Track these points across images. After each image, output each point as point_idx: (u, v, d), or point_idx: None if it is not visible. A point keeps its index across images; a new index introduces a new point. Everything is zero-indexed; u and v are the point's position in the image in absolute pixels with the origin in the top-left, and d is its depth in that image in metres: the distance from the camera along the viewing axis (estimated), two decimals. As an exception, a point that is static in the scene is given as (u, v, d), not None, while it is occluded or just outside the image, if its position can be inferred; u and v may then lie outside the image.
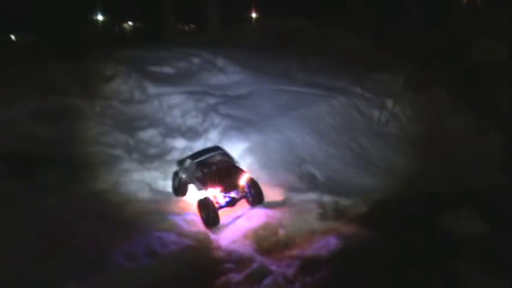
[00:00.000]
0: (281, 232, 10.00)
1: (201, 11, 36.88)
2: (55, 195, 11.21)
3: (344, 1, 33.65)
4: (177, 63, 20.08)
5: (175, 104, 16.82)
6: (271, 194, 11.70)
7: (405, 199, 11.46)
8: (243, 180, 10.97)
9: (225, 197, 10.83)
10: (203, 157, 11.68)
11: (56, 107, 16.25)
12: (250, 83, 17.98)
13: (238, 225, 10.45)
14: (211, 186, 10.70)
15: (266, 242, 9.71)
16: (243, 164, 12.30)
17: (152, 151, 14.75)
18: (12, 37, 45.98)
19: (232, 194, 10.92)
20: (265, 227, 10.19)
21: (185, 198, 11.99)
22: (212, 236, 10.04)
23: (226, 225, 10.62)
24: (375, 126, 15.97)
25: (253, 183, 11.07)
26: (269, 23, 35.35)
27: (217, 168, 11.30)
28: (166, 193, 12.40)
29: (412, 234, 9.57)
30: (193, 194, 11.69)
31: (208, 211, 10.43)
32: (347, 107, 16.37)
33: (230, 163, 11.59)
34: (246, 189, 11.04)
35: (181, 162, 12.21)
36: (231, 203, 10.93)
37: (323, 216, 10.71)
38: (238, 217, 10.88)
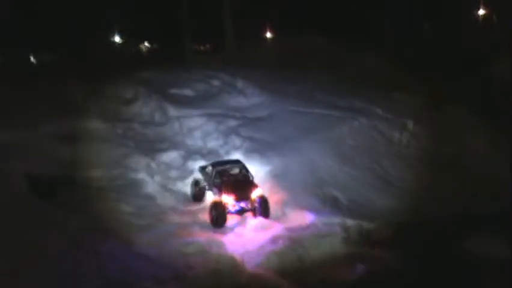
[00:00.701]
0: (305, 256, 9.96)
1: (216, 32, 37.32)
2: (77, 217, 11.12)
3: (361, 21, 33.98)
4: (197, 85, 20.34)
5: (195, 126, 17.00)
6: (294, 217, 11.74)
7: (427, 221, 11.37)
8: (254, 194, 11.72)
9: (235, 205, 11.65)
10: (224, 167, 12.66)
11: (77, 129, 16.50)
12: (270, 104, 18.14)
13: (263, 249, 10.44)
14: (225, 193, 11.61)
15: (290, 267, 9.65)
16: (266, 187, 12.41)
17: (173, 173, 14.80)
18: (32, 58, 46.92)
19: (243, 204, 11.70)
20: (289, 250, 10.11)
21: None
22: (237, 258, 10.03)
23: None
24: (396, 147, 15.96)
25: (263, 199, 11.74)
26: (285, 43, 35.57)
27: (234, 179, 12.29)
28: (190, 216, 12.37)
29: (435, 258, 9.50)
30: (210, 200, 12.28)
31: (217, 212, 11.34)
32: (368, 128, 16.40)
33: (247, 177, 12.43)
34: (256, 203, 11.67)
35: (203, 168, 13.13)
36: (240, 211, 11.76)
37: (347, 240, 10.62)
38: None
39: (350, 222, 11.33)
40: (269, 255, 10.01)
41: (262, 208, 11.64)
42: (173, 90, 19.95)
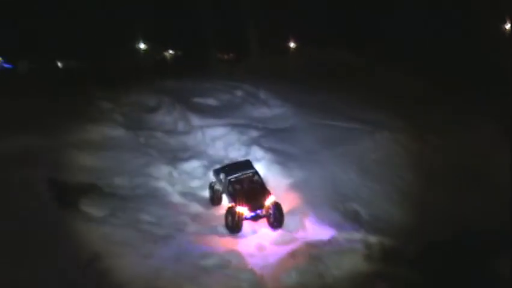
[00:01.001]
0: (326, 273, 9.83)
1: (239, 40, 37.53)
2: (99, 227, 11.23)
3: (383, 31, 33.77)
4: (220, 95, 20.46)
5: (218, 136, 17.03)
6: (315, 230, 11.62)
7: (452, 239, 11.13)
8: (268, 202, 11.93)
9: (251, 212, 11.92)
10: (236, 174, 12.62)
11: (101, 137, 16.69)
12: (292, 116, 18.09)
13: (283, 263, 10.34)
14: (239, 204, 11.77)
15: (311, 284, 9.55)
16: (286, 200, 12.34)
17: (195, 183, 14.80)
18: (59, 63, 47.80)
19: (258, 211, 11.93)
20: (310, 267, 10.00)
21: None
22: (257, 273, 9.93)
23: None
24: (419, 161, 15.64)
25: (277, 206, 11.93)
26: (309, 53, 35.50)
27: (247, 188, 12.45)
28: (209, 224, 12.36)
29: (459, 277, 9.27)
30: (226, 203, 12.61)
31: (233, 219, 11.67)
32: (390, 141, 16.13)
33: (259, 183, 12.65)
34: (270, 210, 11.90)
35: (217, 172, 13.28)
36: (255, 217, 11.99)
37: (369, 257, 10.45)
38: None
39: (372, 238, 11.17)
40: (289, 271, 9.93)
41: (277, 215, 11.84)
42: (197, 100, 20.09)
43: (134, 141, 17.04)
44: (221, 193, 13.00)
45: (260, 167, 14.52)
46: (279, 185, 13.30)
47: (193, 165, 15.71)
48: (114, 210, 12.15)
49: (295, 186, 13.25)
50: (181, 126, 18.20)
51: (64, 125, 16.55)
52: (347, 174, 14.22)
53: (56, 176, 13.21)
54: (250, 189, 12.35)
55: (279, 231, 11.66)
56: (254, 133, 16.83)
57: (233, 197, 12.11)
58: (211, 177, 13.70)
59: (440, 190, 14.49)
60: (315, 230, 11.67)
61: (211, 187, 13.43)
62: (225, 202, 12.76)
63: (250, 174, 12.79)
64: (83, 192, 12.80)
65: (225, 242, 11.25)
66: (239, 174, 12.66)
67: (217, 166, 13.95)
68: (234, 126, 17.36)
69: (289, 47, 46.46)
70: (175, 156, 16.26)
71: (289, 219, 11.89)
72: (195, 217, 12.72)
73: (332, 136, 16.20)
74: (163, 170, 15.10)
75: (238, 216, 11.66)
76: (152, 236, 11.22)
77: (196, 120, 17.98)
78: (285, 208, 11.97)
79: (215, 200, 13.29)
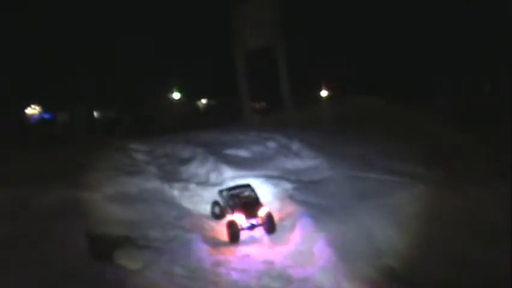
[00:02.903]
0: None
1: (271, 89, 38.06)
2: (133, 280, 11.22)
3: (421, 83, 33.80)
4: (253, 146, 20.60)
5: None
6: (349, 289, 11.22)
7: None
8: (262, 212, 14.16)
9: (247, 222, 14.08)
10: (236, 190, 15.25)
11: (137, 189, 16.99)
12: (326, 168, 17.94)
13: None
14: (237, 212, 14.11)
15: None
16: (319, 256, 12.10)
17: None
18: (95, 113, 49.59)
19: (253, 221, 14.09)
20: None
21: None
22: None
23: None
24: (460, 216, 15.14)
25: (270, 216, 14.13)
26: (341, 102, 35.65)
27: (245, 200, 14.75)
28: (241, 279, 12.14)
29: None
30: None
31: (233, 230, 13.82)
32: (429, 194, 15.70)
33: (255, 198, 14.98)
34: (264, 220, 14.09)
35: (221, 191, 15.55)
36: (251, 227, 14.12)
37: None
38: None
39: (409, 297, 10.74)
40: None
41: (271, 224, 14.06)
42: (229, 151, 20.29)
43: (168, 193, 17.27)
44: (224, 208, 15.21)
45: (292, 220, 14.45)
46: (311, 239, 13.06)
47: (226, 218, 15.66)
48: (148, 263, 12.10)
49: (328, 241, 12.93)
50: (213, 177, 18.32)
51: (101, 177, 16.98)
52: (383, 228, 13.82)
53: (93, 229, 13.49)
54: (247, 202, 14.65)
55: None
56: (287, 185, 16.75)
57: (232, 208, 14.39)
58: (216, 196, 15.63)
59: (483, 247, 13.93)
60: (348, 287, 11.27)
61: (216, 203, 15.61)
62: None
63: (248, 191, 15.27)
64: (119, 244, 12.91)
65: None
66: (239, 190, 15.27)
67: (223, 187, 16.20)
68: (266, 178, 17.35)
69: (321, 96, 46.86)
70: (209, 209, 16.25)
71: (323, 276, 11.57)
72: (229, 270, 12.33)
73: (366, 188, 15.91)
74: (196, 222, 15.13)
75: (237, 225, 13.88)
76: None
77: (228, 172, 18.07)
78: (317, 264, 11.71)
79: (219, 216, 15.43)
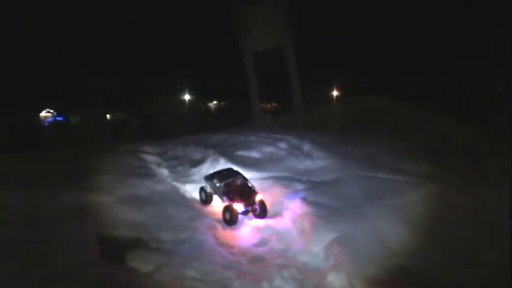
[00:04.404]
0: None
1: (282, 90, 38.05)
2: (145, 282, 11.36)
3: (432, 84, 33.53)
4: (264, 147, 20.65)
5: (261, 189, 17.07)
6: (361, 288, 11.24)
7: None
8: (257, 198, 15.41)
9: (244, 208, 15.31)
10: (229, 179, 16.08)
11: (148, 191, 17.10)
12: (336, 168, 17.98)
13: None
14: (236, 202, 15.26)
15: None
16: (330, 256, 12.16)
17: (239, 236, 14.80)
18: (108, 116, 49.96)
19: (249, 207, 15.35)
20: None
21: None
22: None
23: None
24: (470, 216, 15.09)
25: (262, 202, 15.46)
26: (352, 103, 35.51)
27: (240, 189, 15.83)
28: (254, 279, 12.21)
29: None
30: (217, 203, 16.26)
31: (231, 215, 15.03)
32: (439, 194, 15.70)
33: (249, 186, 16.06)
34: (256, 205, 15.41)
35: (208, 178, 16.76)
36: (246, 212, 15.39)
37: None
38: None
39: (420, 297, 10.75)
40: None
41: (263, 209, 15.44)
42: (240, 153, 20.35)
43: (179, 195, 17.40)
44: (212, 194, 16.54)
45: (303, 220, 14.51)
46: (322, 239, 13.14)
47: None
48: (159, 265, 12.21)
49: (339, 241, 13.01)
50: (224, 179, 18.39)
51: (112, 180, 17.14)
52: (393, 228, 13.85)
53: (104, 231, 13.61)
54: (242, 190, 15.70)
55: None
56: (298, 186, 16.82)
57: (229, 197, 15.55)
58: (203, 182, 17.03)
59: (494, 247, 13.88)
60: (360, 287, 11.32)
61: (203, 190, 16.78)
62: (215, 202, 16.55)
63: (239, 179, 16.26)
64: (130, 247, 13.04)
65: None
66: (231, 179, 16.12)
67: (208, 173, 17.51)
68: (277, 179, 17.43)
69: (333, 96, 46.75)
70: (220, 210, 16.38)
71: (335, 278, 11.64)
72: (240, 273, 12.57)
73: (377, 188, 15.95)
74: (209, 223, 15.22)
75: (235, 212, 15.03)
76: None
77: (239, 173, 18.13)
78: (329, 265, 11.77)
79: (207, 201, 16.72)
